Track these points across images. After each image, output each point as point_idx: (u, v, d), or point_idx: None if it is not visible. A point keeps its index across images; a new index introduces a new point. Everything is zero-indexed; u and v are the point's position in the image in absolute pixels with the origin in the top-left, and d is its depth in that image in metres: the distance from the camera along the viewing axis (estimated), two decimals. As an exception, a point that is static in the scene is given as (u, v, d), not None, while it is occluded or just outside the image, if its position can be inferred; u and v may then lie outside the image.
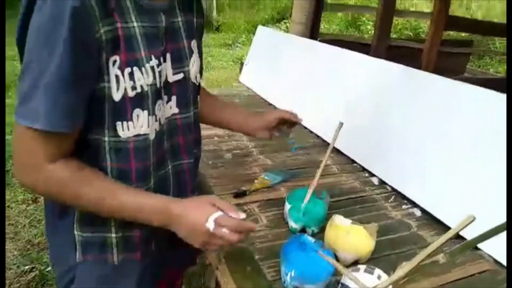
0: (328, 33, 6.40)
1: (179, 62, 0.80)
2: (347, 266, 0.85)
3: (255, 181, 1.21)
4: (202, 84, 0.96)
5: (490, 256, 0.98)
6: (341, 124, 1.05)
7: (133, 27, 0.69)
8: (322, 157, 1.48)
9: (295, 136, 1.55)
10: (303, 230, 0.99)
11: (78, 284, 0.80)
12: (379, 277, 0.75)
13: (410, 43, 3.35)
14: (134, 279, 0.82)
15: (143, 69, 0.70)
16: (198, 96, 0.90)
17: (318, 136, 1.69)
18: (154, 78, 0.73)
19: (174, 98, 0.81)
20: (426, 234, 1.06)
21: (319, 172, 1.03)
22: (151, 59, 0.72)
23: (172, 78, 0.79)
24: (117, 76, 0.68)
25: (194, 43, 0.85)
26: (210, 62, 6.59)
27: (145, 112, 0.73)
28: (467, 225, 0.58)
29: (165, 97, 0.79)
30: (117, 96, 0.69)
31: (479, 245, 1.00)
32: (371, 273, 0.77)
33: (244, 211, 0.97)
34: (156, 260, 0.86)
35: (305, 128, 1.73)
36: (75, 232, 0.77)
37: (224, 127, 1.14)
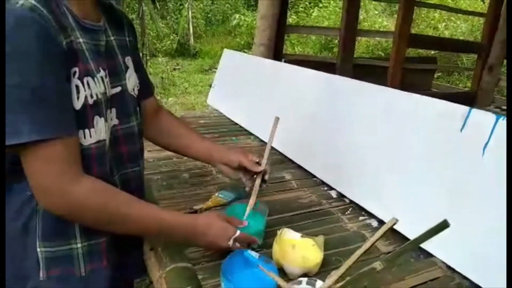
0: (293, 54, 6.48)
1: (116, 76, 0.86)
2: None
3: (209, 199, 1.19)
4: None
5: (443, 262, 0.98)
6: (277, 118, 1.05)
7: (80, 42, 0.74)
8: (283, 174, 1.49)
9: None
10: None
11: None
12: (320, 289, 0.73)
13: (375, 61, 3.44)
14: None
15: (95, 79, 0.75)
16: (138, 108, 0.95)
17: (280, 153, 1.68)
18: (105, 87, 0.79)
19: (114, 110, 0.85)
20: (381, 244, 1.04)
21: (258, 181, 1.05)
22: (99, 71, 0.78)
23: (110, 91, 0.83)
24: (77, 86, 0.72)
25: (128, 59, 0.91)
26: (187, 87, 6.63)
27: (102, 119, 0.78)
28: (390, 227, 0.57)
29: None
30: (78, 105, 0.72)
31: (432, 252, 1.00)
32: (313, 285, 0.75)
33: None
34: (117, 267, 0.84)
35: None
36: (38, 249, 0.74)
37: (190, 155, 1.15)
